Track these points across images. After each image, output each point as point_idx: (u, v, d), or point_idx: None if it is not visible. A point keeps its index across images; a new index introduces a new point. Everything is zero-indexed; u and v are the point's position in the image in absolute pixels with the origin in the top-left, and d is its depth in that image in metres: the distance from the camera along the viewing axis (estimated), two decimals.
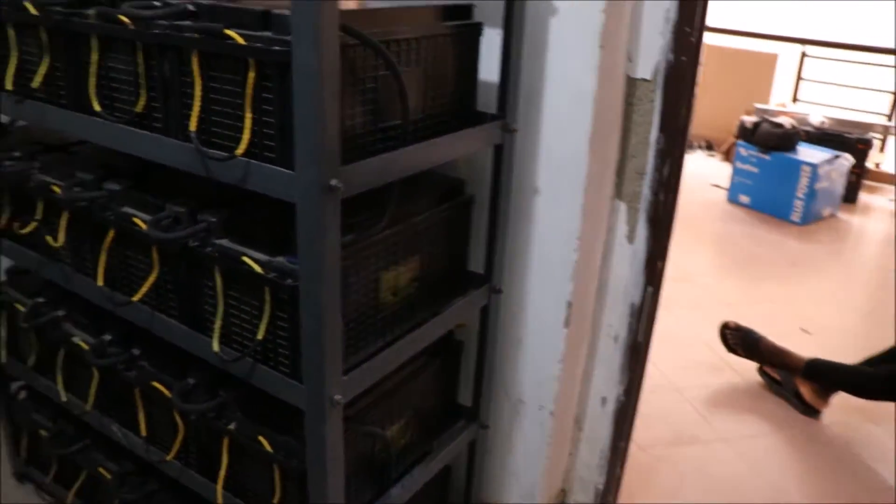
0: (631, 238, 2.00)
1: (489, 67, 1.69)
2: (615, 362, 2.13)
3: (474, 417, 2.05)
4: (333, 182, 1.23)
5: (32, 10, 1.58)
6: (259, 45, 1.23)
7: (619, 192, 1.97)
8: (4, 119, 2.26)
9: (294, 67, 1.17)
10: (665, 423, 3.01)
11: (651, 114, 1.87)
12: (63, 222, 1.81)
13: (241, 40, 1.25)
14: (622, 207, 1.98)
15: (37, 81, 1.67)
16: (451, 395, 2.04)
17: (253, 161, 1.31)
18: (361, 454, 1.68)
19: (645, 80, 1.85)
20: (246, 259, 1.42)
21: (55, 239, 1.85)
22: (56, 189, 1.77)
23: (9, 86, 1.75)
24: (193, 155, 1.39)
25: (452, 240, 1.77)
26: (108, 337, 1.92)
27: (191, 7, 1.35)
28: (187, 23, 1.34)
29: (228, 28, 1.26)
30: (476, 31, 1.63)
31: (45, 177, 1.83)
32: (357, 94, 1.33)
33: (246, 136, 1.30)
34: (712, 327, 3.47)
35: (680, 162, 1.89)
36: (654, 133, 1.87)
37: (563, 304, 1.94)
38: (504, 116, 1.69)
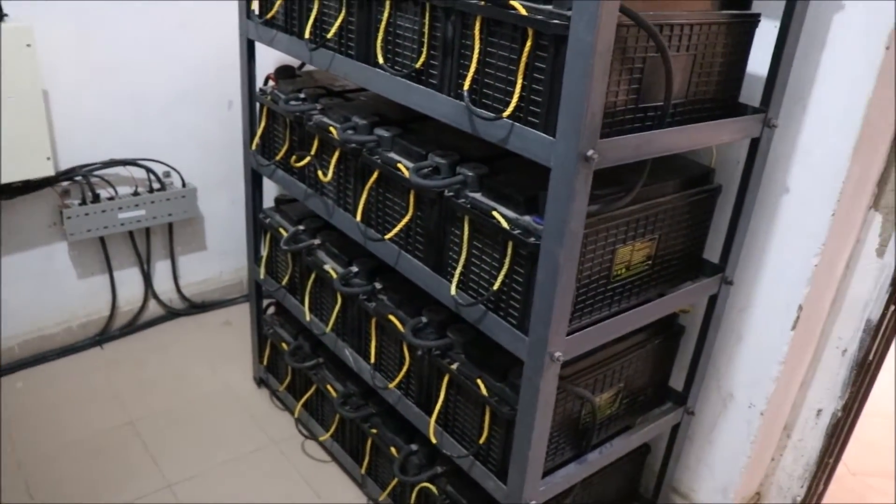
0: (881, 252, 1.90)
1: (755, 59, 1.66)
2: (839, 376, 2.05)
3: (682, 402, 2.06)
4: (590, 153, 1.29)
5: None
6: (540, 17, 1.31)
7: (876, 203, 1.87)
8: (295, 63, 2.53)
9: (570, 42, 1.24)
10: (886, 454, 2.83)
11: None
12: (333, 160, 2.02)
13: (523, 11, 1.34)
14: (877, 219, 1.88)
15: (331, 33, 1.87)
16: (664, 376, 2.06)
17: (517, 124, 1.40)
18: (568, 414, 1.75)
19: None
20: (496, 214, 1.52)
21: (325, 174, 2.06)
22: (332, 130, 1.97)
23: (306, 34, 1.97)
24: (462, 112, 1.51)
25: (692, 226, 1.78)
26: (354, 269, 2.12)
27: None
28: None
29: None
30: (753, 22, 1.61)
31: (324, 118, 2.05)
32: (624, 73, 1.38)
33: (514, 100, 1.39)
34: None
35: None
36: None
37: (793, 308, 1.89)
38: (766, 111, 1.67)
